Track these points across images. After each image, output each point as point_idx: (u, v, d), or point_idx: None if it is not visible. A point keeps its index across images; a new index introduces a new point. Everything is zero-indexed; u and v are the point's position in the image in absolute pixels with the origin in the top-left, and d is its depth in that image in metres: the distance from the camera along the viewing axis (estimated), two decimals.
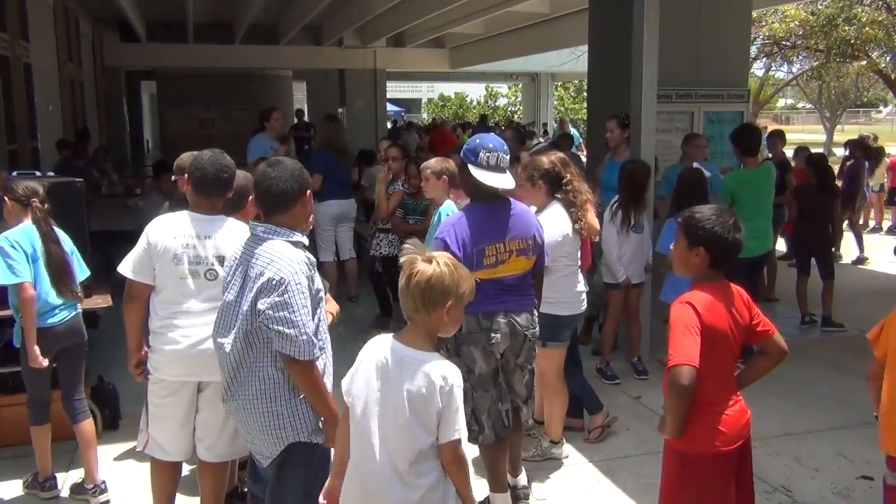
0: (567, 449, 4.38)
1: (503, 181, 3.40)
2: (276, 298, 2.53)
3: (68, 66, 13.26)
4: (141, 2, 15.95)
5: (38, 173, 5.16)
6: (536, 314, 3.60)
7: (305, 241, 2.72)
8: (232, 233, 3.18)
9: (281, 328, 2.52)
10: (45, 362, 3.66)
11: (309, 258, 2.68)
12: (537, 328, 3.58)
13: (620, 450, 4.46)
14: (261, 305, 2.54)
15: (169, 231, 3.16)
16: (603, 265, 5.51)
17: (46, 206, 3.80)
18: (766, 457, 4.23)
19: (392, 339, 2.36)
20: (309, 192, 2.75)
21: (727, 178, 6.01)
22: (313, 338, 2.57)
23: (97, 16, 17.64)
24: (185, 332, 3.15)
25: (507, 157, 3.42)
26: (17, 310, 3.71)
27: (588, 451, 4.44)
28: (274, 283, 2.53)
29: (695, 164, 6.21)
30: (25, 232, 3.70)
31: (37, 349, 3.63)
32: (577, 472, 4.24)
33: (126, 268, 3.19)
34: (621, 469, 4.24)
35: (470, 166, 3.41)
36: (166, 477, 3.40)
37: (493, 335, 3.39)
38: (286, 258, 2.58)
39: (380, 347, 2.36)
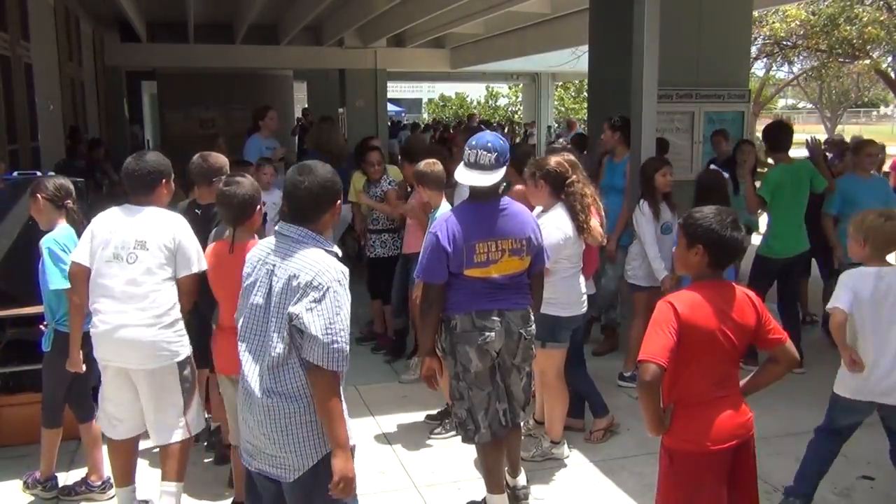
0: (567, 449, 4.38)
1: (477, 179, 3.41)
2: (313, 304, 2.41)
3: (69, 66, 13.26)
4: (141, 2, 15.95)
5: (38, 173, 5.15)
6: (532, 314, 3.59)
7: (338, 251, 2.63)
8: (153, 220, 3.48)
9: (315, 333, 2.39)
10: (84, 367, 3.66)
11: (344, 269, 2.55)
12: (533, 327, 3.57)
13: (621, 450, 4.46)
14: (295, 309, 2.44)
15: (104, 219, 3.50)
16: (628, 266, 5.42)
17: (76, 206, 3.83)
18: (767, 457, 4.22)
19: None
20: (339, 202, 2.66)
21: (773, 170, 5.86)
22: (346, 349, 2.43)
23: (98, 16, 17.64)
24: (104, 318, 3.40)
25: (491, 154, 3.39)
26: (53, 313, 3.68)
27: (589, 452, 4.45)
28: (313, 286, 2.43)
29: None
30: (70, 234, 3.68)
31: (80, 354, 3.62)
32: (578, 472, 4.24)
33: (75, 251, 3.54)
34: (622, 469, 4.24)
35: (461, 163, 3.49)
36: (116, 452, 3.63)
37: (487, 333, 3.40)
38: (325, 264, 2.49)
39: None
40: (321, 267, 2.47)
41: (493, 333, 3.41)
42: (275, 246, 2.60)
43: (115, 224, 3.46)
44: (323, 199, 2.57)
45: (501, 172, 3.45)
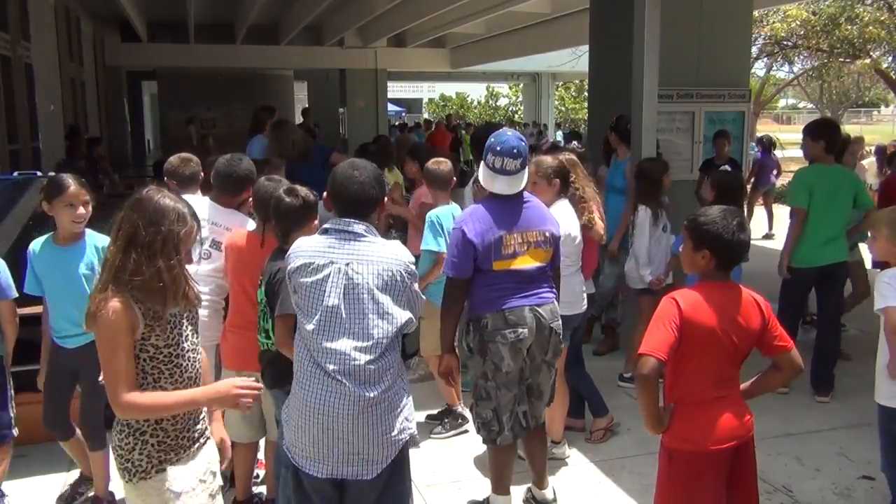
0: (568, 449, 4.38)
1: (504, 187, 3.40)
2: (416, 284, 2.74)
3: (69, 66, 13.27)
4: (142, 2, 15.97)
5: (38, 173, 5.16)
6: (559, 307, 3.59)
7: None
8: (234, 226, 3.68)
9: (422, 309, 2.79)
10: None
11: None
12: (560, 321, 3.57)
13: (622, 450, 4.46)
14: (407, 296, 2.69)
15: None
16: (632, 271, 5.23)
17: None
18: (766, 457, 4.23)
19: None
20: (386, 199, 2.84)
21: (804, 171, 5.33)
22: None
23: (98, 16, 17.66)
24: None
25: (516, 160, 3.37)
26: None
27: (589, 451, 4.45)
28: (410, 273, 2.69)
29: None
30: None
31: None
32: (578, 472, 4.24)
33: None
34: (622, 469, 4.24)
35: (482, 164, 3.49)
36: None
37: (519, 330, 3.39)
38: (405, 251, 2.73)
39: None
40: (406, 254, 2.72)
41: (525, 330, 3.40)
42: (338, 242, 2.64)
43: (204, 220, 3.60)
44: (378, 196, 2.73)
45: (525, 175, 3.48)
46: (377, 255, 2.62)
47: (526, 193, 3.54)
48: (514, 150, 3.36)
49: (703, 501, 2.63)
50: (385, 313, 2.60)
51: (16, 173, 5.02)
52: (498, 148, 3.38)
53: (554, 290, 3.58)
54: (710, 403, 2.62)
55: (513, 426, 3.51)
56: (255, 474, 3.84)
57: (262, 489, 3.83)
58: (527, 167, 3.48)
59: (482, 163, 3.48)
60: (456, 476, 4.19)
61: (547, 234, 3.49)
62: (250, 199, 3.70)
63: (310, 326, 2.59)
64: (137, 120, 27.56)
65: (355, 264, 2.60)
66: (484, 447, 4.34)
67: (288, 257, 2.72)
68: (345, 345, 2.56)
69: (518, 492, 3.83)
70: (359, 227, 2.65)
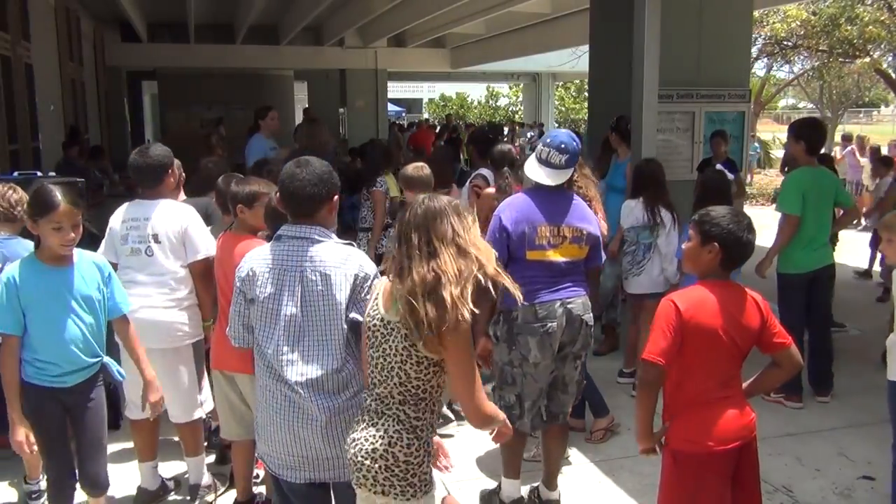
0: (568, 449, 4.38)
1: (545, 177, 3.50)
2: (369, 295, 2.59)
3: (69, 66, 13.25)
4: (142, 2, 15.96)
5: (38, 174, 5.16)
6: (589, 300, 3.61)
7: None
8: (163, 214, 3.65)
9: None
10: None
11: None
12: (591, 314, 3.59)
13: (622, 450, 4.46)
14: (359, 303, 2.55)
15: (118, 217, 3.72)
16: (654, 276, 5.15)
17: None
18: (767, 457, 4.22)
19: None
20: (337, 197, 2.68)
21: (797, 174, 5.17)
22: None
23: (98, 16, 17.64)
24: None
25: (563, 155, 3.47)
26: (108, 344, 3.36)
27: (589, 452, 4.45)
28: (364, 279, 2.55)
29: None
30: None
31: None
32: (579, 472, 4.24)
33: (100, 249, 3.71)
34: (622, 469, 4.24)
35: (532, 154, 3.63)
36: (136, 431, 3.86)
37: (549, 323, 3.43)
38: (359, 254, 2.62)
39: None
40: (361, 258, 2.60)
41: (554, 324, 3.43)
42: (290, 249, 2.58)
43: (130, 220, 3.67)
44: (322, 194, 2.60)
45: (569, 172, 3.56)
46: (331, 261, 2.54)
47: (572, 193, 3.64)
48: (561, 145, 3.49)
49: (707, 502, 2.62)
50: (345, 319, 2.54)
51: (16, 173, 5.01)
52: (548, 140, 3.55)
53: (587, 284, 3.61)
54: (714, 404, 2.62)
55: (533, 417, 3.57)
56: (254, 474, 3.84)
57: (262, 489, 3.82)
58: (573, 167, 3.56)
59: (532, 153, 3.61)
60: (456, 476, 4.18)
61: (584, 231, 3.54)
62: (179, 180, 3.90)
63: (268, 339, 2.56)
64: (137, 120, 27.52)
65: (310, 272, 2.54)
66: (484, 448, 4.35)
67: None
68: (305, 355, 2.53)
69: (522, 491, 3.83)
70: (311, 232, 2.57)
